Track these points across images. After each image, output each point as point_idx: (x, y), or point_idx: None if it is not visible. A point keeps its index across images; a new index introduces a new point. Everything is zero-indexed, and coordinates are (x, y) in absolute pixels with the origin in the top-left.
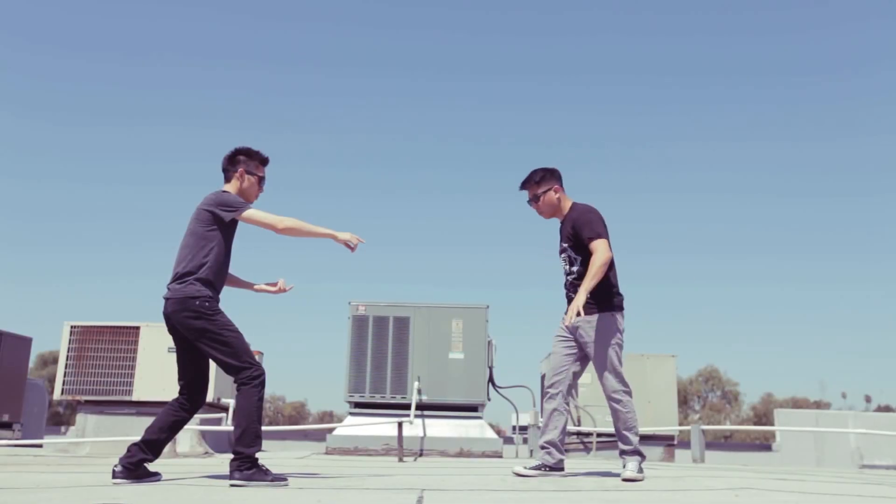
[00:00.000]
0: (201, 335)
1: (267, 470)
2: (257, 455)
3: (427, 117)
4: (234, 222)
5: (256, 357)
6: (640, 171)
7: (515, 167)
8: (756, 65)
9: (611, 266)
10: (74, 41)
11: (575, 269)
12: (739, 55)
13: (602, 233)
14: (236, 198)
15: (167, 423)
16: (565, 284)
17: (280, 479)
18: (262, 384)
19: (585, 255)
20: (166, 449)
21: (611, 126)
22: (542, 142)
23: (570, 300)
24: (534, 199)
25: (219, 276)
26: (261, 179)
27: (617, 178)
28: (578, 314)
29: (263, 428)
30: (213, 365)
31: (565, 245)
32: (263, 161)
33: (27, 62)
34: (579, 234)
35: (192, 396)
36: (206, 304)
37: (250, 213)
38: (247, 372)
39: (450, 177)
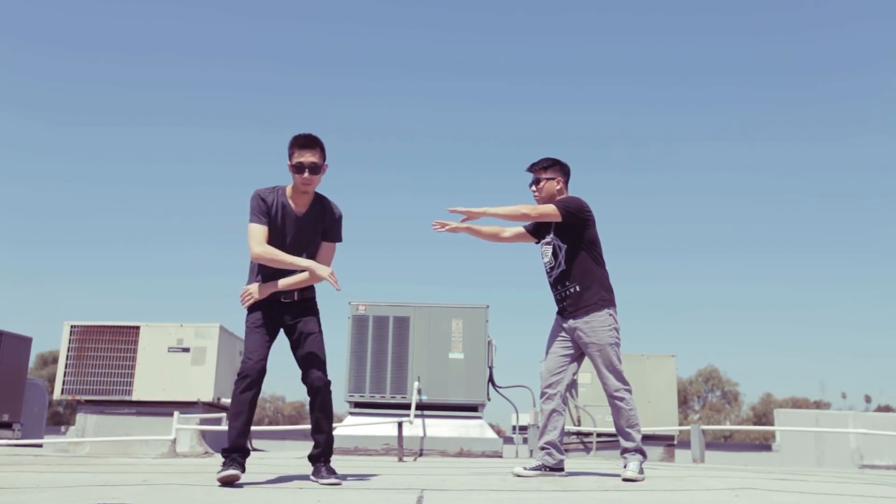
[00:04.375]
0: None
1: (228, 461)
2: (230, 446)
3: (427, 117)
4: (272, 221)
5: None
6: (641, 171)
7: (515, 167)
8: (756, 65)
9: (602, 264)
10: (74, 41)
11: (560, 258)
12: (739, 55)
13: (569, 206)
14: (251, 205)
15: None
16: (550, 282)
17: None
18: (242, 379)
19: (572, 242)
20: (166, 448)
21: (611, 126)
22: (542, 142)
23: (560, 298)
24: (535, 183)
25: (265, 271)
26: (294, 167)
27: (617, 178)
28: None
29: (263, 428)
30: (215, 364)
31: (549, 236)
32: (292, 144)
33: (27, 62)
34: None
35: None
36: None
37: (249, 227)
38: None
39: (450, 177)
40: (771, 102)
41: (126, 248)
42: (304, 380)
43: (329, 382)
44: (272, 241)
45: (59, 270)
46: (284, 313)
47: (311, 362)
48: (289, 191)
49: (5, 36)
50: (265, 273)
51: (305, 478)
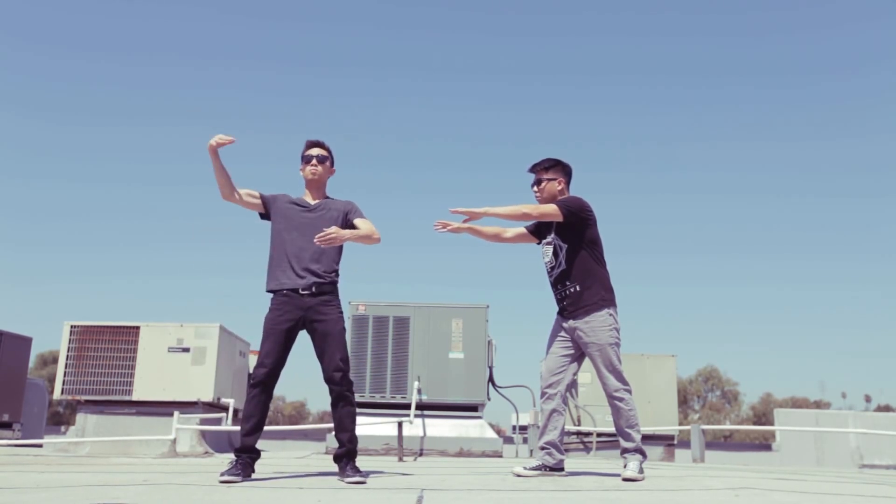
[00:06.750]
0: None
1: (233, 465)
2: (239, 446)
3: (427, 117)
4: (272, 218)
5: (256, 356)
6: (641, 171)
7: (515, 167)
8: (756, 65)
9: (603, 264)
10: (74, 41)
11: (561, 258)
12: (739, 55)
13: (570, 205)
14: None
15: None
16: (551, 282)
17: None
18: (251, 386)
19: (573, 242)
20: (166, 448)
21: (611, 126)
22: (543, 142)
23: (560, 298)
24: (537, 183)
25: (272, 269)
26: (303, 159)
27: (617, 178)
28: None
29: (263, 428)
30: (215, 364)
31: (550, 236)
32: (303, 149)
33: (27, 62)
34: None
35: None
36: (272, 299)
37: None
38: None
39: (450, 177)
40: (771, 102)
41: (126, 248)
42: (326, 379)
43: (351, 382)
44: (289, 225)
45: (59, 270)
46: (303, 308)
47: (331, 361)
48: (305, 191)
49: (5, 36)
50: (281, 258)
51: (306, 478)
